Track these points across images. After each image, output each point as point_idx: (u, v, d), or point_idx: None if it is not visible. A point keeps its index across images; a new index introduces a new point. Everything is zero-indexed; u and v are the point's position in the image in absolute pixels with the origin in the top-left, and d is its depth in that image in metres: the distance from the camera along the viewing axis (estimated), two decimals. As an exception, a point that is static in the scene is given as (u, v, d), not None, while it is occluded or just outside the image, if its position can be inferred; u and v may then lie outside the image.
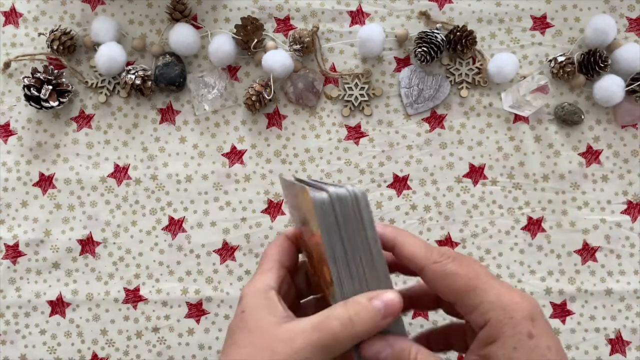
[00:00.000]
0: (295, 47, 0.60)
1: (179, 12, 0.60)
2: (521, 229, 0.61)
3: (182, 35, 0.59)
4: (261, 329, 0.34)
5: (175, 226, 0.61)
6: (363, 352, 0.34)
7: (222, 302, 0.61)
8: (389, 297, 0.33)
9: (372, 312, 0.33)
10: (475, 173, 0.61)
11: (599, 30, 0.58)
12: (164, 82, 0.60)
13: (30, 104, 0.59)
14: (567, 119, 0.60)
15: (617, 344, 0.60)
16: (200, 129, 0.62)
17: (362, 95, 0.61)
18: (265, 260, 0.39)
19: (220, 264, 0.61)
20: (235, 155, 0.62)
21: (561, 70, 0.60)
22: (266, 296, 0.36)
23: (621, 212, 0.61)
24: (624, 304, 0.60)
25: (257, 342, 0.33)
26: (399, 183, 0.61)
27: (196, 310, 0.61)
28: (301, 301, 0.43)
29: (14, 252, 0.61)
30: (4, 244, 0.61)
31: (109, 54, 0.59)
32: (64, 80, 0.60)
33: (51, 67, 0.60)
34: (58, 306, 0.61)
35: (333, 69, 0.62)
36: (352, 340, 0.33)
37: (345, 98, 0.61)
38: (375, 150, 0.62)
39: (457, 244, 0.61)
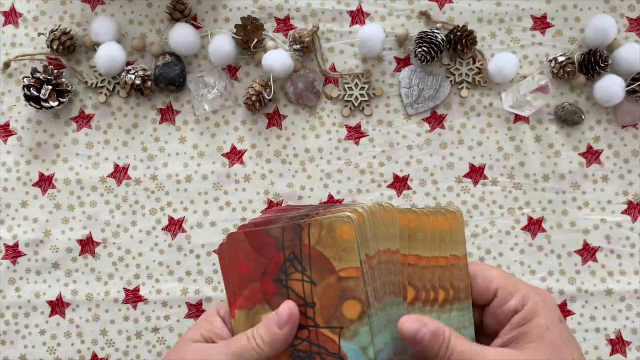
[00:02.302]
0: (295, 47, 0.59)
1: (179, 12, 0.60)
2: (521, 229, 0.61)
3: (182, 35, 0.59)
4: (183, 345, 0.39)
5: (175, 226, 0.61)
6: (402, 330, 0.36)
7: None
8: (281, 307, 0.37)
9: (268, 323, 0.37)
10: (476, 173, 0.61)
11: (599, 30, 0.58)
12: (164, 82, 0.60)
13: (30, 104, 0.59)
14: (568, 118, 0.60)
15: (618, 344, 0.60)
16: (200, 129, 0.62)
17: (362, 95, 0.61)
18: None
19: (220, 264, 0.61)
20: (235, 155, 0.62)
21: (561, 70, 0.60)
22: (209, 318, 0.40)
23: (621, 212, 0.61)
24: (624, 304, 0.60)
25: (176, 355, 0.39)
26: (399, 183, 0.61)
27: (196, 311, 0.61)
28: None
29: (13, 252, 0.61)
30: (4, 244, 0.61)
31: (109, 54, 0.59)
32: (63, 80, 0.60)
33: (51, 67, 0.60)
34: (58, 306, 0.61)
35: (333, 69, 0.62)
36: (259, 351, 0.37)
37: (345, 98, 0.61)
38: (375, 150, 0.61)
39: (457, 244, 0.61)
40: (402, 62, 0.62)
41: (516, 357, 0.35)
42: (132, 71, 0.59)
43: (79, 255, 0.61)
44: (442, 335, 0.35)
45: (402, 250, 0.38)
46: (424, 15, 0.61)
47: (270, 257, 0.37)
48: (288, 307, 0.36)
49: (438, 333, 0.35)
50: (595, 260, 0.61)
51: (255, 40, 0.60)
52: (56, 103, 0.59)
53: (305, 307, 0.36)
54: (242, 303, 0.39)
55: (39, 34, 0.62)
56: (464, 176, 0.61)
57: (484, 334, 0.40)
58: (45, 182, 0.62)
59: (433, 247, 0.39)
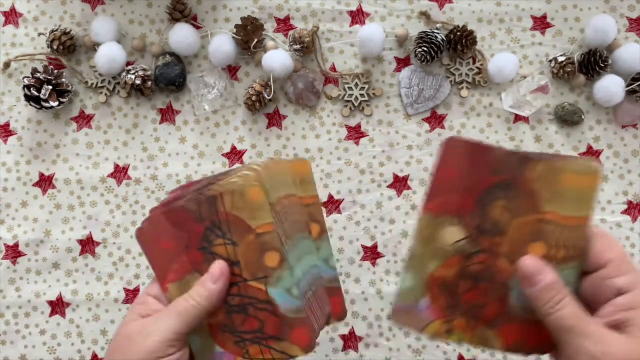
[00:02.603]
0: (295, 47, 0.59)
1: (179, 12, 0.60)
2: (521, 229, 0.61)
3: (182, 35, 0.59)
4: (124, 327, 0.40)
5: (175, 226, 0.61)
6: (522, 266, 0.36)
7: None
8: (212, 266, 0.39)
9: (203, 281, 0.39)
10: (476, 173, 0.61)
11: (599, 30, 0.58)
12: (164, 82, 0.60)
13: (30, 104, 0.59)
14: (567, 119, 0.60)
15: (617, 344, 0.60)
16: (200, 129, 0.62)
17: (362, 95, 0.61)
18: None
19: (220, 264, 0.61)
20: (235, 155, 0.62)
21: (561, 70, 0.60)
22: (141, 301, 0.42)
23: (621, 212, 0.61)
24: (624, 304, 0.60)
25: (119, 336, 0.40)
26: (399, 183, 0.61)
27: (196, 310, 0.61)
28: None
29: (14, 252, 0.61)
30: (4, 244, 0.61)
31: (109, 54, 0.59)
32: (63, 80, 0.60)
33: (51, 67, 0.60)
34: (58, 306, 0.61)
35: (333, 69, 0.62)
36: (198, 307, 0.39)
37: (345, 98, 0.61)
38: (375, 150, 0.62)
39: (457, 244, 0.61)
40: (402, 62, 0.62)
41: (628, 346, 0.33)
42: (132, 71, 0.59)
43: (79, 255, 0.61)
44: (558, 289, 0.35)
45: (300, 193, 0.42)
46: (424, 15, 0.61)
47: (191, 229, 0.40)
48: (218, 265, 0.39)
49: (556, 285, 0.35)
50: (595, 260, 0.61)
51: (255, 40, 0.60)
52: (56, 103, 0.59)
53: (232, 266, 0.40)
54: (173, 277, 0.41)
55: (39, 34, 0.62)
56: (464, 176, 0.61)
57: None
58: (45, 182, 0.62)
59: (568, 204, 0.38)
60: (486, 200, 0.38)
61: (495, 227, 0.38)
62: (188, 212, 0.40)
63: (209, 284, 0.39)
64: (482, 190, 0.38)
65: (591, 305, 0.36)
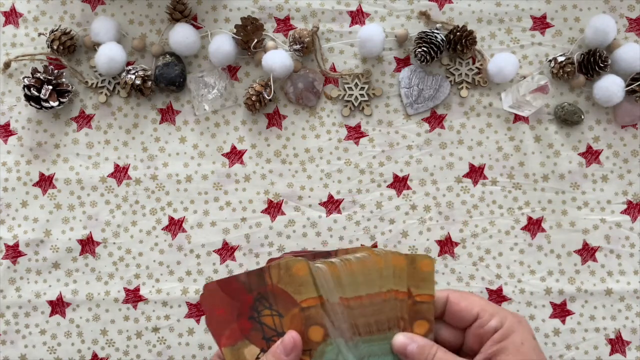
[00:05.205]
0: (295, 47, 0.60)
1: (179, 12, 0.60)
2: (521, 229, 0.61)
3: (182, 35, 0.59)
4: None
5: (175, 226, 0.61)
6: (394, 345, 0.42)
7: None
8: (285, 338, 0.41)
9: (276, 353, 0.41)
10: (475, 173, 0.61)
11: (599, 30, 0.58)
12: (164, 82, 0.60)
13: (30, 104, 0.59)
14: (567, 119, 0.60)
15: (617, 344, 0.60)
16: (200, 129, 0.62)
17: (362, 95, 0.61)
18: None
19: (220, 264, 0.61)
20: (235, 155, 0.62)
21: (561, 70, 0.60)
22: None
23: (621, 212, 0.61)
24: (623, 304, 0.60)
25: None
26: (399, 183, 0.61)
27: (196, 310, 0.61)
28: None
29: (14, 252, 0.61)
30: (4, 244, 0.61)
31: (109, 54, 0.59)
32: (64, 80, 0.60)
33: (51, 67, 0.60)
34: (58, 306, 0.61)
35: (333, 69, 0.62)
36: None
37: (345, 98, 0.61)
38: (375, 150, 0.62)
39: (457, 244, 0.61)
40: (402, 62, 0.62)
41: None
42: (133, 71, 0.59)
43: (79, 255, 0.61)
44: (428, 349, 0.41)
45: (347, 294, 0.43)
46: (424, 15, 0.61)
47: (242, 299, 0.43)
48: (292, 337, 0.41)
49: (425, 347, 0.41)
50: (594, 260, 0.61)
51: (255, 40, 0.60)
52: (56, 103, 0.59)
53: (278, 336, 0.42)
54: (225, 342, 0.44)
55: (40, 34, 0.62)
56: (463, 176, 0.61)
57: (465, 355, 0.43)
58: (45, 182, 0.62)
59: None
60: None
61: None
62: (239, 282, 0.43)
63: (282, 357, 0.41)
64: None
65: (477, 353, 0.42)
